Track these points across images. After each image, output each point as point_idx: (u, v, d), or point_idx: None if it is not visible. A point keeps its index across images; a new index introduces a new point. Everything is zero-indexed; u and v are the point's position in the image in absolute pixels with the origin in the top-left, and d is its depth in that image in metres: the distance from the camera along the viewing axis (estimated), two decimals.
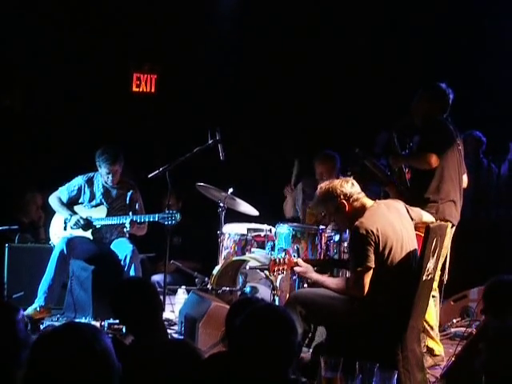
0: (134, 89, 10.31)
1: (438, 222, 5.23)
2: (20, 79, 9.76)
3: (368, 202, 4.82)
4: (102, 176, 6.85)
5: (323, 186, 4.88)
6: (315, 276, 4.95)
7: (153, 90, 10.34)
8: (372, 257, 4.58)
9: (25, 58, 9.37)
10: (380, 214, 4.73)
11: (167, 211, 6.55)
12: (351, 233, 4.77)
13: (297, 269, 5.01)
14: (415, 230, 4.96)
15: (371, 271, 4.59)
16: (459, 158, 5.83)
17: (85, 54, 9.60)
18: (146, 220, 6.69)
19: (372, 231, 4.56)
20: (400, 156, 6.00)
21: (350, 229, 4.88)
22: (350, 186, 4.78)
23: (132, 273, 6.64)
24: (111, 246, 6.88)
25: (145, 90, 10.33)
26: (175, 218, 6.50)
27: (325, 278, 4.94)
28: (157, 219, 6.60)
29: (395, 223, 4.75)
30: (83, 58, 9.58)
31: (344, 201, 4.75)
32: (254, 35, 9.82)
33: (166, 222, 6.56)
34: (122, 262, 6.68)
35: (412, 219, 4.96)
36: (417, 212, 5.13)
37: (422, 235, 4.98)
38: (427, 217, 5.22)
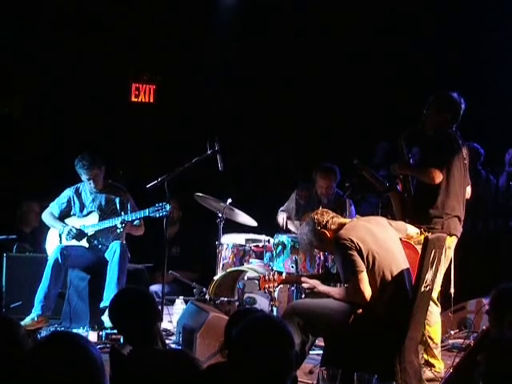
0: (133, 99, 10.33)
1: (436, 234, 5.22)
2: (18, 88, 9.77)
3: (345, 219, 5.05)
4: (86, 184, 6.89)
5: (299, 235, 5.14)
6: (323, 289, 5.00)
7: (151, 100, 10.35)
8: (359, 261, 4.65)
9: (23, 66, 9.38)
10: (359, 225, 4.87)
11: (157, 204, 6.56)
12: (334, 247, 4.83)
13: (305, 285, 5.10)
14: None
15: (365, 274, 4.63)
16: (465, 172, 5.79)
17: (84, 64, 9.61)
18: (137, 217, 6.70)
19: (351, 239, 4.69)
20: (408, 165, 5.91)
21: None
22: (320, 216, 4.97)
23: (115, 263, 6.57)
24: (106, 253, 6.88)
25: (143, 100, 10.34)
26: (165, 208, 6.52)
27: (330, 289, 5.00)
28: (147, 214, 6.61)
29: (377, 233, 4.83)
30: (82, 68, 9.59)
31: (323, 230, 4.91)
32: (253, 45, 9.84)
33: (157, 215, 6.57)
34: (107, 255, 6.68)
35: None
36: (400, 225, 5.18)
37: (411, 242, 5.05)
38: (411, 229, 5.24)
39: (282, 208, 7.69)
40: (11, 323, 2.97)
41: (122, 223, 6.65)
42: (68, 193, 7.01)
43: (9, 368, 2.63)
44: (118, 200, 6.96)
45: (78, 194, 6.99)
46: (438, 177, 5.54)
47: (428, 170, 5.56)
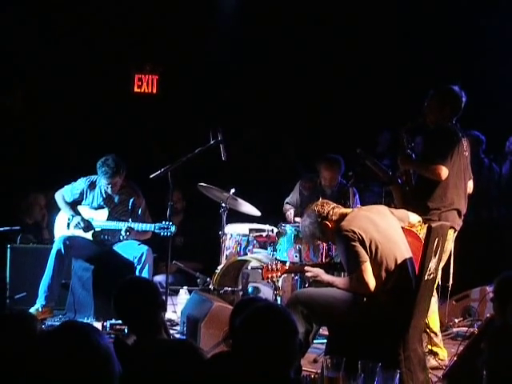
0: (136, 89, 10.33)
1: (439, 222, 5.21)
2: (21, 80, 9.77)
3: (346, 210, 5.01)
4: (103, 184, 6.88)
5: (301, 227, 5.16)
6: (326, 278, 4.98)
7: (154, 91, 10.36)
8: (362, 251, 4.64)
9: (26, 58, 9.38)
10: (360, 215, 4.85)
11: (164, 223, 6.59)
12: (336, 238, 4.83)
13: (308, 274, 5.08)
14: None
15: (368, 265, 4.63)
16: (465, 165, 5.77)
17: (86, 55, 9.61)
18: (143, 229, 6.72)
19: (353, 230, 4.67)
20: (409, 159, 5.87)
21: None
22: (321, 207, 4.94)
23: (146, 272, 6.69)
24: (119, 247, 6.90)
25: (146, 90, 10.35)
26: (170, 229, 6.56)
27: (334, 279, 4.98)
28: (152, 229, 6.67)
29: (379, 222, 4.82)
30: (84, 59, 9.59)
31: (324, 221, 4.89)
32: (255, 34, 9.83)
33: (161, 233, 6.62)
34: (135, 261, 6.73)
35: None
36: (402, 213, 5.17)
37: (414, 230, 5.05)
38: (413, 217, 5.23)
39: (287, 199, 7.69)
40: (29, 318, 2.97)
41: (126, 231, 6.69)
42: (82, 185, 6.98)
43: (22, 361, 2.62)
44: (131, 202, 6.97)
45: (92, 187, 6.97)
46: (445, 173, 5.51)
47: (433, 167, 5.53)
